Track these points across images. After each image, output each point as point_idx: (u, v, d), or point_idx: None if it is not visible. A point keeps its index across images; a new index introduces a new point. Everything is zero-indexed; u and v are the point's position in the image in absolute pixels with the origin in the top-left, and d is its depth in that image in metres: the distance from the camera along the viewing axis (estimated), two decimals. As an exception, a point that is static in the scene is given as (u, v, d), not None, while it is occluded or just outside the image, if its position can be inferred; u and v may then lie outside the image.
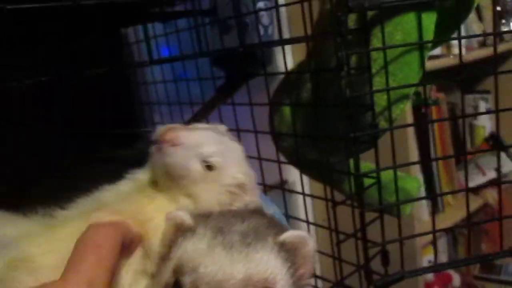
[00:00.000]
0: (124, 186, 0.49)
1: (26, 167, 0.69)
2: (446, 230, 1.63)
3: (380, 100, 0.51)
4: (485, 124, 1.92)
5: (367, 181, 0.55)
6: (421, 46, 0.48)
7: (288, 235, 0.39)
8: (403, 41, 0.48)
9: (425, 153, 1.53)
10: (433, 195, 1.59)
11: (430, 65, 1.39)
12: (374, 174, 0.53)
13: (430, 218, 1.61)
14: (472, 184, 1.80)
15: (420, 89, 1.55)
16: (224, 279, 0.35)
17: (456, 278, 1.80)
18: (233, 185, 0.47)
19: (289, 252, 0.38)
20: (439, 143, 1.63)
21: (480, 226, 2.01)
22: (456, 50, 1.54)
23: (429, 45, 0.49)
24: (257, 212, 0.45)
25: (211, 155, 0.46)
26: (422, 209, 1.59)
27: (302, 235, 0.40)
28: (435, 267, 0.52)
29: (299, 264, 0.39)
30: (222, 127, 0.54)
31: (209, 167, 0.46)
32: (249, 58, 0.67)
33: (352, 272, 0.53)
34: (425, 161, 0.48)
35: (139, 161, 0.71)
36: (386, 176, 0.56)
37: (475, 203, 1.75)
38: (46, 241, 0.42)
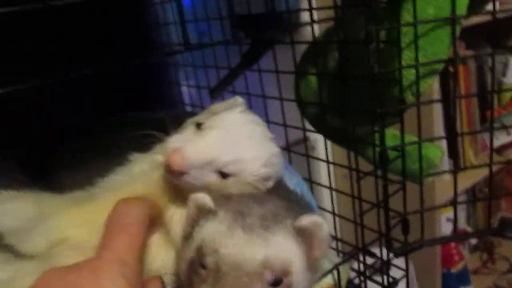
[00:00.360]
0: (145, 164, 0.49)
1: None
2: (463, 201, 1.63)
3: (409, 75, 0.51)
4: (514, 82, 1.86)
5: (392, 153, 0.56)
6: (453, 21, 0.47)
7: (305, 220, 0.41)
8: (435, 15, 0.47)
9: (449, 114, 1.51)
10: (454, 161, 1.58)
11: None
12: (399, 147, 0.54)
13: (451, 177, 1.61)
14: (496, 143, 1.78)
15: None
16: (244, 260, 0.37)
17: (473, 235, 1.83)
18: (254, 181, 0.45)
19: (305, 235, 0.41)
20: (463, 102, 1.60)
21: (499, 184, 2.02)
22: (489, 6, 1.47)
23: (461, 19, 0.48)
24: (277, 191, 0.46)
25: (226, 165, 0.44)
26: (443, 168, 1.60)
27: (318, 221, 0.42)
28: (452, 238, 0.53)
29: (314, 247, 0.41)
30: (239, 100, 0.52)
31: (226, 174, 0.44)
32: (275, 24, 0.66)
33: (375, 239, 0.55)
34: (450, 137, 0.48)
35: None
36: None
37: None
38: (79, 218, 0.45)
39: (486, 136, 1.76)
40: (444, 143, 1.57)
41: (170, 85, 0.98)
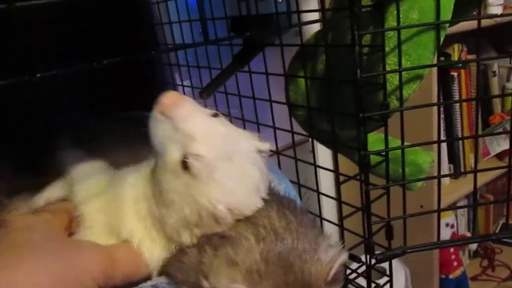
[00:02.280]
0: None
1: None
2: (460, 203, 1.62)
3: (393, 79, 0.51)
4: (517, 87, 1.85)
5: (377, 158, 0.56)
6: (437, 26, 0.47)
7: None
8: (419, 20, 0.47)
9: (448, 116, 1.50)
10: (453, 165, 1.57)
11: (464, 25, 1.33)
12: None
13: (450, 183, 1.61)
14: (498, 149, 1.77)
15: (450, 51, 1.50)
16: None
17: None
18: (205, 210, 0.40)
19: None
20: (465, 106, 1.58)
21: (503, 189, 2.00)
22: (492, 10, 1.46)
23: (446, 25, 0.48)
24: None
25: (195, 156, 0.39)
26: (444, 173, 1.59)
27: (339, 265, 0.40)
28: (437, 245, 0.53)
29: None
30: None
31: (186, 168, 0.40)
32: (265, 26, 0.66)
33: (357, 244, 0.55)
34: (437, 142, 0.47)
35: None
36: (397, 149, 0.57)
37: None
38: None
39: (488, 141, 1.75)
40: (444, 149, 1.57)
41: (166, 85, 0.99)
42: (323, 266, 0.39)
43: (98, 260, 0.40)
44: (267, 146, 0.47)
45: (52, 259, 0.37)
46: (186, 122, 0.41)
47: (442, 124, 1.55)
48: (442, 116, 1.54)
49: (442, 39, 0.48)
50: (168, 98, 0.42)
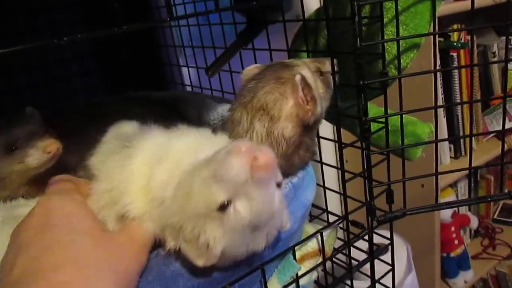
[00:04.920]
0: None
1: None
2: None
3: (391, 49, 0.53)
4: (518, 68, 1.86)
5: (377, 126, 0.58)
6: (433, -4, 0.49)
7: None
8: (415, -10, 0.49)
9: (448, 97, 1.52)
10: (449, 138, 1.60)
11: (463, 4, 1.34)
12: (383, 119, 0.56)
13: (451, 162, 1.63)
14: (499, 129, 1.78)
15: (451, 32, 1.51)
16: None
17: (474, 221, 1.84)
18: (204, 242, 0.42)
19: None
20: (464, 85, 1.60)
21: (503, 169, 2.01)
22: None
23: (441, -5, 0.50)
24: None
25: (236, 211, 0.41)
26: (444, 152, 1.61)
27: None
28: (435, 207, 0.56)
29: None
30: None
31: (221, 209, 0.41)
32: (269, 4, 0.69)
33: (357, 208, 0.58)
34: (430, 108, 0.49)
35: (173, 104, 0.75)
36: (398, 120, 0.59)
37: (499, 147, 1.74)
38: None
39: (488, 121, 1.76)
40: (444, 129, 1.59)
41: (170, 66, 1.01)
42: None
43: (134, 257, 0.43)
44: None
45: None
46: (260, 185, 0.41)
47: (442, 101, 1.57)
48: (442, 96, 1.56)
49: (438, 8, 0.50)
50: (265, 156, 0.42)
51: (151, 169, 0.46)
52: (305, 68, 0.54)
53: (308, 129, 0.53)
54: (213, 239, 0.41)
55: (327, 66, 0.55)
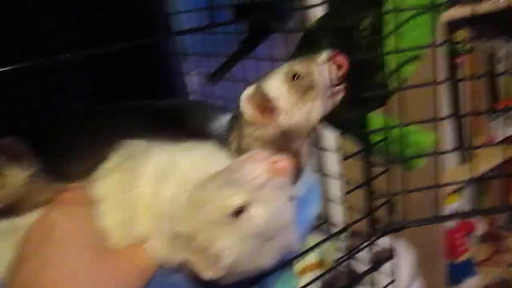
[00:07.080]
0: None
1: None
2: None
3: (391, 61, 0.53)
4: (525, 74, 1.84)
5: (378, 137, 0.58)
6: (432, 9, 0.49)
7: None
8: (415, 3, 0.49)
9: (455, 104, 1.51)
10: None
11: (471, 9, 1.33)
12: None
13: (457, 168, 1.62)
14: (506, 133, 1.77)
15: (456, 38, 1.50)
16: None
17: (479, 227, 1.82)
18: (213, 254, 0.41)
19: None
20: (469, 91, 1.59)
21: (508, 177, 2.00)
22: None
23: (441, 7, 0.50)
24: None
25: (252, 216, 0.41)
26: (449, 158, 1.60)
27: None
28: (436, 219, 0.55)
29: None
30: None
31: (235, 214, 0.41)
32: (271, 13, 0.69)
33: (357, 220, 0.58)
34: (432, 120, 0.48)
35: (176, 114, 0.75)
36: (399, 130, 0.59)
37: (506, 154, 1.72)
38: None
39: (493, 126, 1.75)
40: (449, 132, 1.58)
41: (173, 74, 1.01)
42: None
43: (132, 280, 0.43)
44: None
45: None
46: (277, 190, 0.42)
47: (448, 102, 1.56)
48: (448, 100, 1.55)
49: (438, 20, 0.50)
50: (283, 161, 0.43)
51: (157, 189, 0.46)
52: (274, 78, 0.54)
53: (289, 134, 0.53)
54: (224, 249, 0.41)
55: (313, 66, 0.54)
